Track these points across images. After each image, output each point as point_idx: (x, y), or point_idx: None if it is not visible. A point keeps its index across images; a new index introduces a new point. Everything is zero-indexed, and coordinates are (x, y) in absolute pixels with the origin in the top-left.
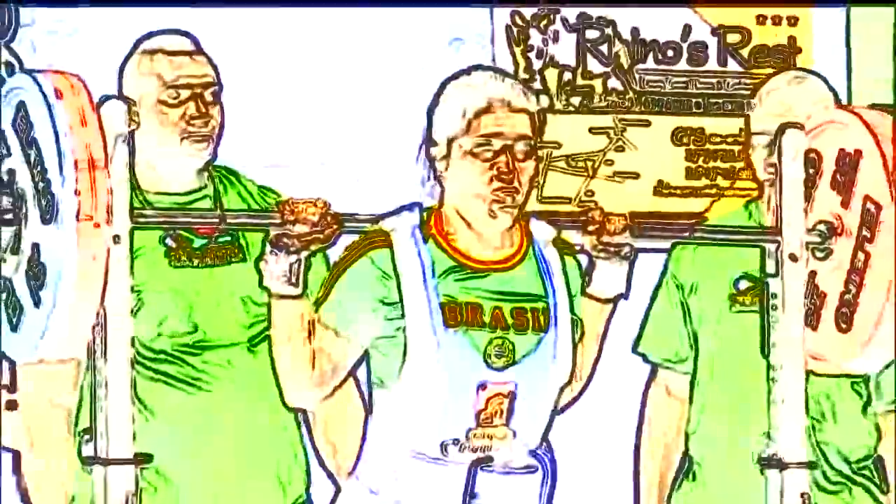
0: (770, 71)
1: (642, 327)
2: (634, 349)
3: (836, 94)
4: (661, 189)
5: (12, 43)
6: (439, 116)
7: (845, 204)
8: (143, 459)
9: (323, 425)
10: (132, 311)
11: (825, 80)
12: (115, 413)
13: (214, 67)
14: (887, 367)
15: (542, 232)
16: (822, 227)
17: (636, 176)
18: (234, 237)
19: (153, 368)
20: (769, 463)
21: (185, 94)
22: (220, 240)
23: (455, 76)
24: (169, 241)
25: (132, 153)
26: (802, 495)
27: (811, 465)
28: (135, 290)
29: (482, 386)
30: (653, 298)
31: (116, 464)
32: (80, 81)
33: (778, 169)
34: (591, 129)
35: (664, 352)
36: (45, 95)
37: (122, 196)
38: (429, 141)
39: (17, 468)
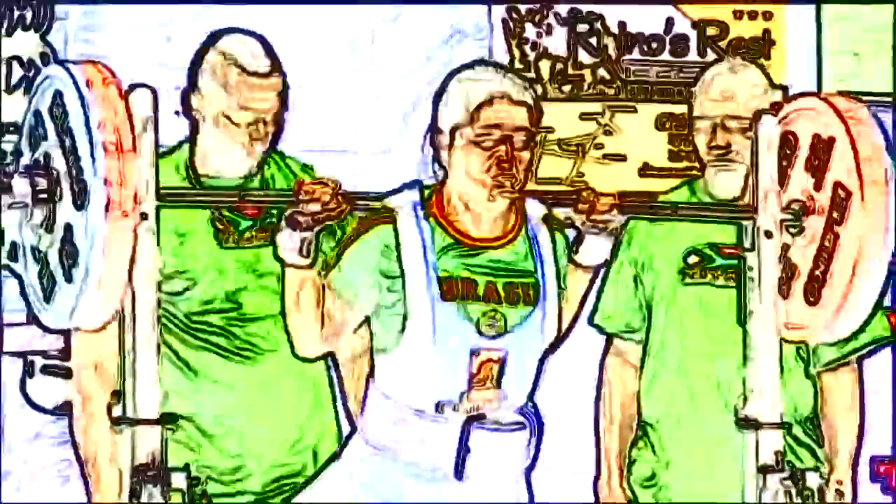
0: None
1: (597, 301)
2: (591, 321)
3: (770, 81)
4: (645, 170)
5: (48, 35)
6: (444, 107)
7: (818, 186)
8: (168, 420)
9: (348, 374)
10: (184, 290)
11: (761, 68)
12: (142, 376)
13: (284, 83)
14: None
15: (535, 210)
16: (795, 205)
17: (623, 158)
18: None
19: (203, 339)
20: (746, 424)
21: (250, 117)
22: (266, 221)
23: (459, 70)
24: (217, 224)
25: (193, 140)
26: (776, 453)
27: (784, 426)
28: (187, 269)
29: (475, 352)
30: (606, 274)
31: (144, 424)
32: (109, 71)
33: (755, 151)
34: (581, 115)
35: (618, 324)
36: (77, 86)
37: (149, 176)
38: (434, 129)
39: (70, 431)
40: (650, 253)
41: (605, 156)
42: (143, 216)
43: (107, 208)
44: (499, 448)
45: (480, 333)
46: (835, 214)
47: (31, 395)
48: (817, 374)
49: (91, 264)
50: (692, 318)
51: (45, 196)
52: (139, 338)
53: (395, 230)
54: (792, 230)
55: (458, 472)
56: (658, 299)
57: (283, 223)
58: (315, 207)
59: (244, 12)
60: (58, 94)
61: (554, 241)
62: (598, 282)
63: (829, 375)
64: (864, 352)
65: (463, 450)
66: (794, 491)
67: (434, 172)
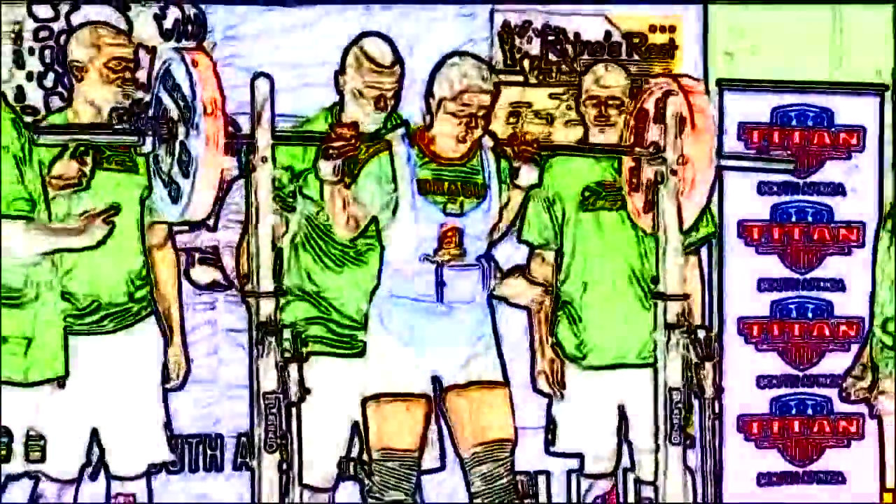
0: (657, 62)
1: (522, 225)
2: (519, 239)
3: (627, 72)
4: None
5: (203, 41)
6: (437, 82)
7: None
8: (282, 292)
9: None
10: (317, 212)
11: (624, 68)
12: (263, 264)
13: (402, 69)
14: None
15: (487, 142)
16: (652, 147)
17: (578, 123)
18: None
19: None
20: (658, 296)
21: (374, 93)
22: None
23: (449, 56)
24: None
25: (341, 107)
26: (677, 315)
27: (684, 297)
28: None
29: (442, 224)
30: (527, 209)
31: (264, 296)
32: (206, 55)
33: (664, 119)
34: (550, 95)
35: (538, 239)
36: (185, 62)
37: (266, 134)
38: (428, 94)
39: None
40: (557, 191)
41: (566, 121)
42: (264, 159)
43: (206, 141)
44: (462, 279)
45: (446, 214)
46: (678, 130)
47: (193, 277)
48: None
49: (199, 160)
50: (592, 232)
51: (167, 136)
52: (261, 239)
53: (391, 154)
54: (653, 163)
55: (439, 296)
56: (566, 221)
57: (320, 154)
58: (340, 143)
59: (325, 20)
60: (167, 68)
61: (498, 162)
62: (524, 212)
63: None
64: (699, 243)
65: (440, 282)
66: (689, 340)
67: (424, 119)
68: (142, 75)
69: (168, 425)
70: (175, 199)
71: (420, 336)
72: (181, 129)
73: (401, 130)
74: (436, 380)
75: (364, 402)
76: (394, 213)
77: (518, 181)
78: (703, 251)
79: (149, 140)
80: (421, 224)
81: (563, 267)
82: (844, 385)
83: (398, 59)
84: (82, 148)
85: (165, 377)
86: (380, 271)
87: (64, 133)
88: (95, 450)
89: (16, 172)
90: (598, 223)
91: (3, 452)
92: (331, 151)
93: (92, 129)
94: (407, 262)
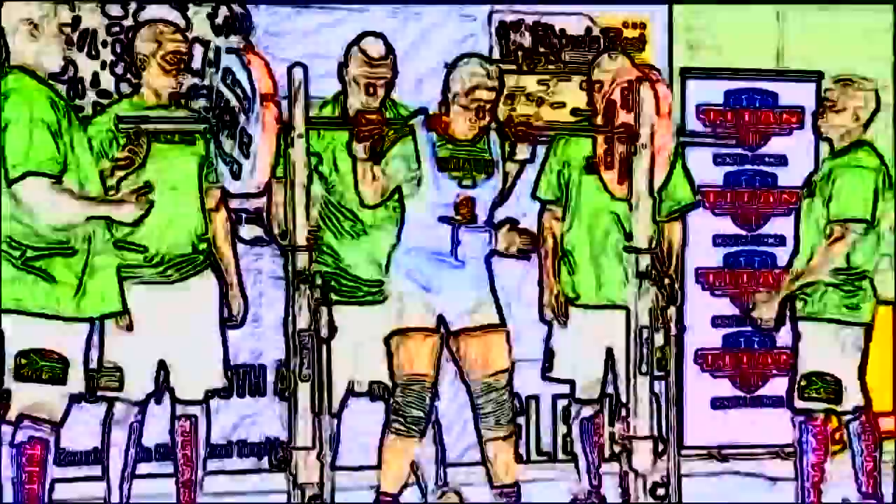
0: (630, 54)
1: (536, 185)
2: (533, 195)
3: (632, 60)
4: (576, 112)
5: (249, 36)
6: (452, 80)
7: (630, 111)
8: (312, 246)
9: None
10: (333, 185)
11: (627, 55)
12: (298, 224)
13: (394, 62)
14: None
15: (493, 125)
16: (623, 127)
17: (562, 105)
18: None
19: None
20: (630, 250)
21: (365, 82)
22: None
23: (462, 57)
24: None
25: (345, 95)
26: (647, 266)
27: (652, 250)
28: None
29: (458, 195)
30: (541, 173)
31: (299, 250)
32: (259, 55)
33: (639, 104)
34: (539, 81)
35: (549, 196)
36: (241, 60)
37: (301, 114)
38: (445, 88)
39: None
40: (567, 158)
41: (553, 103)
42: (300, 136)
43: (263, 127)
44: (472, 238)
45: (461, 187)
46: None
47: (241, 234)
48: (659, 223)
49: (259, 143)
50: (592, 191)
51: (229, 122)
52: (296, 201)
53: (414, 137)
54: (626, 140)
55: (454, 252)
56: (572, 182)
57: (353, 137)
58: (370, 127)
59: (350, 19)
60: (228, 68)
61: (502, 143)
62: (539, 175)
63: (666, 224)
64: (683, 210)
65: (455, 240)
66: (657, 287)
67: (441, 108)
68: (195, 64)
69: (226, 358)
70: (236, 176)
71: (436, 283)
72: (241, 117)
73: (420, 117)
74: (444, 320)
75: (388, 336)
76: (418, 185)
77: (515, 156)
78: None
79: (205, 125)
80: (440, 194)
81: (566, 220)
82: (751, 304)
83: (389, 53)
84: (133, 135)
85: (223, 317)
86: (400, 231)
87: (138, 122)
88: (162, 379)
89: (50, 141)
90: (596, 184)
91: (61, 375)
92: (362, 134)
93: (162, 119)
94: (428, 225)
